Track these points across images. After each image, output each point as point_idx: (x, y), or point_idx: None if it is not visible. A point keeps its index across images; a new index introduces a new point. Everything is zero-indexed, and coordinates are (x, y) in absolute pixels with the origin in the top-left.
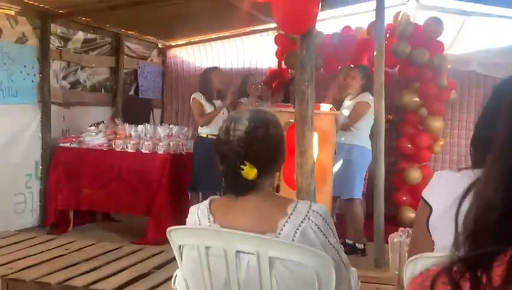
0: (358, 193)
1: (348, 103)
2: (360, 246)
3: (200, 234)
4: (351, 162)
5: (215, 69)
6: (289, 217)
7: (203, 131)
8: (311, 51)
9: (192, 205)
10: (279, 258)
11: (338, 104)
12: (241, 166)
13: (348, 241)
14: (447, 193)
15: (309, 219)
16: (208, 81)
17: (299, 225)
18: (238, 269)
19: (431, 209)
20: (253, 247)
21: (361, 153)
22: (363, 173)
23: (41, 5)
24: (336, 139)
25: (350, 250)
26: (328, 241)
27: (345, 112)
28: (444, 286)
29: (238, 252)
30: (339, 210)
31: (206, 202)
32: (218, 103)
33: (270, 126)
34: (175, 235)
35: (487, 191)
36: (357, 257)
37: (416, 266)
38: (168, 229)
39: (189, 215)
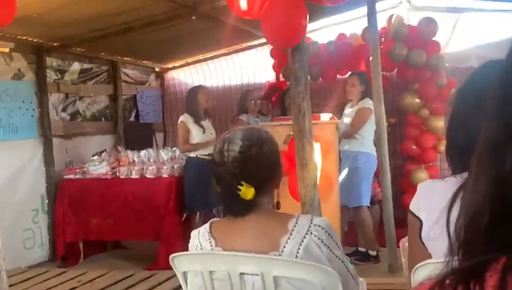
0: (365, 200)
1: (349, 110)
2: (373, 253)
3: (203, 259)
4: (357, 169)
5: (200, 87)
6: (291, 234)
7: (192, 152)
8: (304, 63)
9: (195, 227)
10: (284, 277)
11: (341, 111)
12: (238, 186)
13: (360, 249)
14: (433, 203)
15: (311, 233)
16: (194, 100)
17: (302, 241)
18: None
19: (421, 222)
20: (257, 268)
21: (367, 159)
22: (370, 179)
23: (35, 40)
24: (340, 148)
25: (363, 258)
26: (333, 253)
27: (346, 119)
28: None
29: (242, 274)
30: (349, 218)
31: (206, 226)
32: (205, 123)
33: (264, 144)
34: (178, 262)
35: (474, 199)
36: (370, 264)
37: (423, 273)
38: (171, 256)
39: (190, 240)
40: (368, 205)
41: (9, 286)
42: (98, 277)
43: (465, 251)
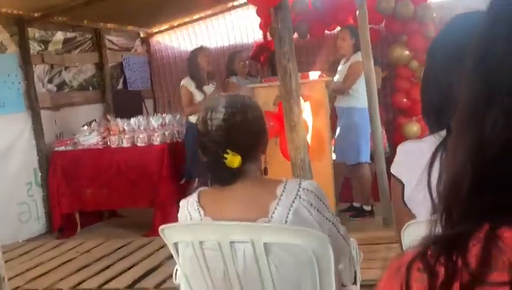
0: (365, 156)
1: (342, 66)
2: (367, 208)
3: (192, 230)
4: (354, 125)
5: (201, 49)
6: (279, 199)
7: (193, 117)
8: (288, 22)
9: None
10: (274, 243)
11: (333, 69)
12: (224, 155)
13: (355, 204)
14: (413, 164)
15: (300, 197)
16: (195, 64)
17: (291, 206)
18: (235, 260)
19: (403, 184)
20: (247, 235)
21: (363, 115)
22: (368, 135)
23: (15, 11)
24: (335, 104)
25: (358, 213)
26: (323, 216)
27: (338, 76)
28: (419, 274)
29: (232, 242)
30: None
31: (194, 195)
32: (208, 88)
33: (248, 110)
34: (168, 233)
35: (455, 164)
36: (365, 219)
37: (412, 231)
38: (160, 228)
39: (179, 211)
40: (368, 161)
41: (8, 260)
42: (96, 246)
43: (448, 217)
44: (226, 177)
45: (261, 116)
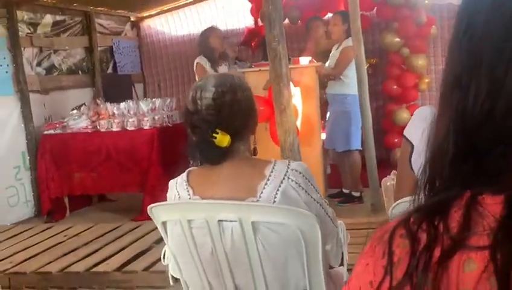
0: (355, 143)
1: (333, 52)
2: (356, 194)
3: (181, 208)
4: (345, 112)
5: (211, 30)
6: (268, 179)
7: None
8: (278, 5)
9: None
10: (262, 222)
11: (324, 56)
12: (213, 134)
13: (344, 190)
14: (425, 128)
15: (288, 178)
16: (208, 45)
17: (279, 186)
18: (223, 238)
19: (412, 146)
20: (235, 214)
21: (355, 101)
22: (359, 122)
23: None
24: (327, 91)
25: (347, 199)
26: (311, 197)
27: (330, 61)
28: (402, 239)
29: (220, 221)
30: (332, 161)
31: (183, 175)
32: (222, 68)
33: (237, 90)
34: (156, 212)
35: (438, 134)
36: (354, 205)
37: (401, 208)
38: (149, 207)
39: (168, 191)
40: (359, 148)
41: None
42: (85, 230)
43: (431, 187)
44: (215, 157)
45: (250, 96)
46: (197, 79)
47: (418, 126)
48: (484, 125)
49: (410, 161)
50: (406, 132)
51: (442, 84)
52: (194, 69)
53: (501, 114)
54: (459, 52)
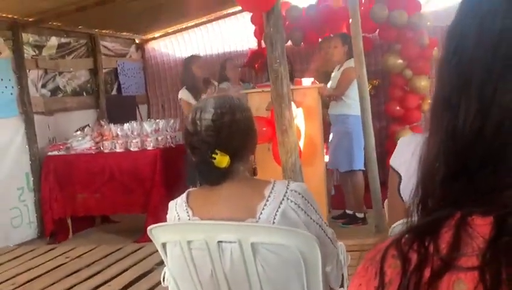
0: (358, 164)
1: (334, 73)
2: (360, 215)
3: (180, 229)
4: (347, 133)
5: (193, 58)
6: (267, 200)
7: None
8: (280, 27)
9: None
10: (262, 243)
11: (325, 77)
12: (213, 155)
13: (348, 211)
14: (411, 157)
15: (288, 198)
16: (190, 73)
17: (279, 206)
18: (222, 260)
19: (400, 176)
20: (234, 235)
21: (357, 122)
22: (361, 142)
23: (9, 16)
24: (329, 112)
25: (351, 220)
26: (311, 218)
27: (332, 82)
28: (393, 260)
29: (219, 242)
30: (336, 182)
31: (183, 196)
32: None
33: (236, 111)
34: (156, 233)
35: (430, 153)
36: (358, 226)
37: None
38: (149, 228)
39: (168, 212)
40: (362, 168)
41: None
42: (87, 252)
43: (423, 207)
44: (214, 178)
45: (250, 117)
46: (184, 112)
47: (404, 155)
48: (474, 145)
49: (399, 191)
50: (392, 162)
51: (432, 104)
52: (179, 101)
53: (490, 133)
54: (449, 73)
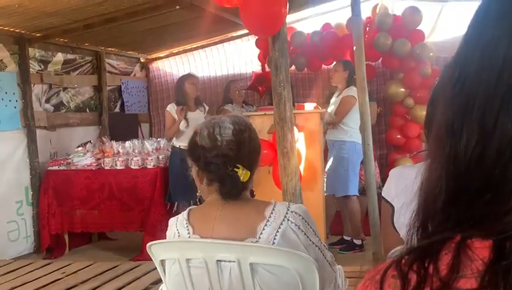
0: (353, 189)
1: (334, 99)
2: (358, 241)
3: (180, 247)
4: (343, 159)
5: (187, 77)
6: (268, 221)
7: (176, 143)
8: (285, 52)
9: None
10: (260, 263)
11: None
12: (235, 169)
13: (346, 237)
14: (403, 188)
15: (288, 219)
16: (181, 90)
17: (279, 227)
18: (221, 279)
19: (393, 207)
20: (233, 254)
21: (353, 148)
22: (356, 169)
23: (17, 30)
24: (326, 137)
25: (348, 247)
26: (310, 240)
27: (331, 109)
28: (393, 280)
29: (218, 261)
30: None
31: (184, 213)
32: (194, 114)
33: (251, 129)
34: (155, 250)
35: (431, 178)
36: (356, 252)
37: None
38: (148, 244)
39: (168, 229)
40: (357, 194)
41: None
42: (83, 268)
43: (423, 230)
44: (236, 191)
45: (258, 137)
46: (166, 124)
47: (396, 187)
48: (475, 171)
49: (392, 222)
50: (384, 194)
51: (434, 132)
52: (165, 114)
53: (491, 160)
54: (452, 100)
